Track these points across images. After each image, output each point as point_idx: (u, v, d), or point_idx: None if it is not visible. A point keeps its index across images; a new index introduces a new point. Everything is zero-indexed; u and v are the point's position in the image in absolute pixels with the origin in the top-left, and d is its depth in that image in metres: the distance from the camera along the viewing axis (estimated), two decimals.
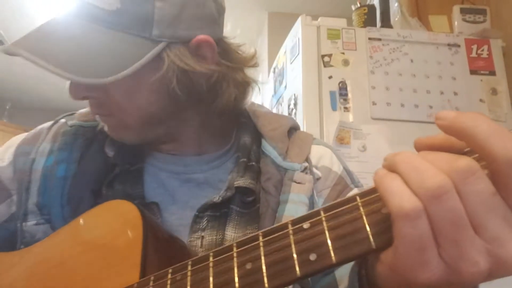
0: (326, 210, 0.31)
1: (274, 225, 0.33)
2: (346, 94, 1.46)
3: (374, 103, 1.46)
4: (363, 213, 0.29)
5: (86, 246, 0.43)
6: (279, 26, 2.41)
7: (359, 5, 1.68)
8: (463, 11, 1.69)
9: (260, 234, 0.33)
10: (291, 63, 1.63)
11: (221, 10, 0.54)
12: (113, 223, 0.42)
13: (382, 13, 1.66)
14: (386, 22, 1.64)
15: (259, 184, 0.53)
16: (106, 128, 0.53)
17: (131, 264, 0.38)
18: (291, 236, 0.31)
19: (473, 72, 1.54)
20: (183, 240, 0.48)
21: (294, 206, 0.50)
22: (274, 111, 1.86)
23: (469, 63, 1.55)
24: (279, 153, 0.55)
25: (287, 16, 2.34)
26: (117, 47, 0.45)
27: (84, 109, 0.59)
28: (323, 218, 0.31)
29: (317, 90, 1.46)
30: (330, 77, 1.47)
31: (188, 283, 0.34)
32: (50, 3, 2.52)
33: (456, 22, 1.70)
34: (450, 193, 0.25)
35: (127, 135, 0.52)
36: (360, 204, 0.30)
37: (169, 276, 0.36)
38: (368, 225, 0.29)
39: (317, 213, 0.32)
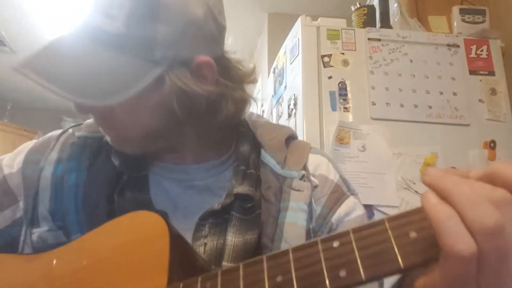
0: (355, 231, 0.34)
1: (304, 242, 0.35)
2: (346, 94, 1.46)
3: (373, 103, 1.46)
4: (391, 235, 0.32)
5: (113, 252, 0.45)
6: (279, 26, 2.42)
7: (358, 5, 1.69)
8: (462, 11, 1.70)
9: (290, 250, 0.35)
10: (291, 63, 1.63)
11: (221, 29, 0.54)
12: (139, 232, 0.44)
13: (381, 14, 1.67)
14: (385, 23, 1.65)
15: (259, 192, 0.55)
16: (109, 139, 0.55)
17: (159, 271, 0.40)
18: (321, 253, 0.33)
19: (472, 72, 1.55)
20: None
21: (294, 214, 0.54)
22: (274, 111, 1.87)
23: (468, 63, 1.55)
24: (278, 161, 0.58)
25: (286, 17, 2.34)
26: (120, 69, 0.46)
27: (90, 119, 0.61)
28: (352, 238, 0.33)
29: (316, 90, 1.47)
30: (329, 77, 1.48)
31: None
32: (50, 4, 2.53)
33: (455, 23, 1.70)
34: (504, 230, 0.27)
35: (128, 146, 0.54)
36: (388, 227, 0.32)
37: (199, 284, 0.37)
38: (397, 247, 0.31)
39: (346, 233, 0.34)
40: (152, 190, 0.56)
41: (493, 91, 1.54)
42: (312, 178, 0.58)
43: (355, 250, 0.32)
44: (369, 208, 1.33)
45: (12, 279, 0.50)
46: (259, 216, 0.53)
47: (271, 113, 1.92)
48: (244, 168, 0.56)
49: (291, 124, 1.56)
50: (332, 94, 1.46)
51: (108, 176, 0.54)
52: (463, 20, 1.68)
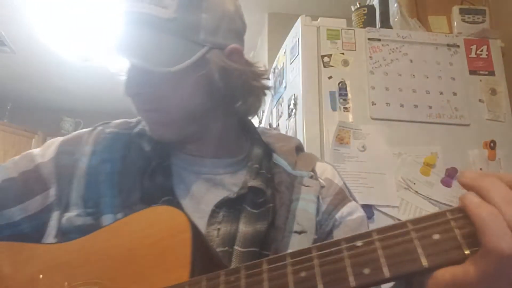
0: (378, 231, 0.35)
1: (327, 241, 0.37)
2: (346, 94, 1.46)
3: (373, 103, 1.46)
4: (414, 236, 0.33)
5: (136, 244, 0.47)
6: (279, 26, 2.42)
7: (358, 5, 1.69)
8: (462, 11, 1.70)
9: (313, 247, 0.37)
10: (291, 63, 1.63)
11: (244, 27, 0.65)
12: (162, 225, 0.46)
13: (381, 14, 1.67)
14: (385, 23, 1.65)
15: (270, 189, 0.61)
16: (147, 127, 0.62)
17: (180, 264, 0.42)
18: (345, 252, 0.35)
19: (472, 72, 1.55)
20: (202, 229, 0.53)
21: (305, 202, 0.60)
22: (274, 111, 1.87)
23: (468, 63, 1.55)
24: (289, 163, 0.65)
25: (286, 17, 2.34)
26: (172, 48, 0.56)
27: (118, 120, 0.69)
28: (376, 238, 0.35)
29: (316, 90, 1.47)
30: (329, 77, 1.48)
31: (243, 285, 0.37)
32: (50, 3, 2.53)
33: (455, 23, 1.70)
34: None
35: (167, 130, 0.61)
36: (410, 229, 0.34)
37: (222, 277, 0.39)
38: (420, 247, 0.33)
39: (369, 234, 0.35)
40: (173, 178, 0.62)
41: (493, 91, 1.54)
42: (319, 179, 0.65)
43: (379, 249, 0.34)
44: (369, 208, 1.33)
45: (38, 268, 0.51)
46: (269, 210, 0.58)
47: (271, 113, 1.92)
48: (258, 167, 0.63)
49: (291, 124, 1.56)
50: (332, 94, 1.46)
51: (140, 166, 0.60)
52: (463, 20, 1.68)
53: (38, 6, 2.56)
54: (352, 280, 0.33)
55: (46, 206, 0.59)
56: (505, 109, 1.53)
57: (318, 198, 0.62)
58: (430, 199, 1.39)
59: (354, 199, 0.66)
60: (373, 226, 1.29)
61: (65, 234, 0.55)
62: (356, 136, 1.41)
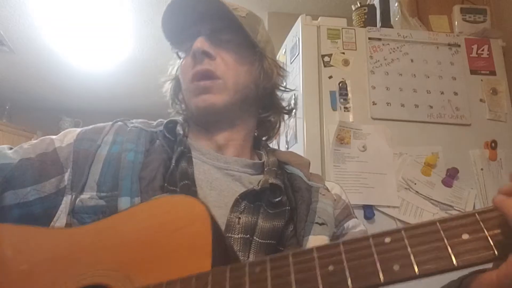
0: (406, 229, 0.35)
1: (355, 237, 0.37)
2: (346, 94, 1.46)
3: (374, 103, 1.46)
4: (444, 235, 0.34)
5: (154, 231, 0.46)
6: (279, 26, 2.41)
7: (359, 5, 1.68)
8: (463, 11, 1.69)
9: (341, 243, 0.37)
10: (291, 63, 1.63)
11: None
12: (181, 214, 0.46)
13: (382, 13, 1.66)
14: (386, 22, 1.64)
15: (288, 191, 0.65)
16: (194, 99, 0.67)
17: (202, 253, 0.42)
18: (373, 247, 0.35)
19: (473, 72, 1.54)
20: (219, 218, 0.55)
21: (324, 204, 0.65)
22: None
23: (469, 63, 1.55)
24: (305, 175, 0.70)
25: (287, 16, 2.33)
26: (242, 34, 0.68)
27: (139, 119, 0.72)
28: (404, 236, 0.35)
29: (317, 90, 1.46)
30: (330, 77, 1.47)
31: (269, 276, 0.37)
32: (49, 3, 2.52)
33: (456, 22, 1.69)
34: None
35: (219, 98, 0.66)
36: (440, 228, 0.34)
37: (247, 268, 0.38)
38: (450, 246, 0.33)
39: (398, 230, 0.35)
40: (194, 169, 0.65)
41: (494, 91, 1.53)
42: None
43: (408, 246, 0.34)
44: (369, 209, 1.33)
45: (56, 253, 0.51)
46: (285, 211, 0.62)
47: None
48: (276, 170, 0.68)
49: (291, 124, 1.55)
50: (332, 93, 1.45)
51: (164, 158, 0.63)
52: (464, 20, 1.67)
53: (37, 5, 2.55)
54: (381, 276, 0.33)
55: (60, 190, 0.60)
56: (506, 109, 1.52)
57: (333, 207, 0.67)
58: (431, 199, 1.38)
59: (355, 217, 0.72)
60: (373, 226, 1.29)
61: (77, 213, 0.56)
62: (356, 136, 1.41)
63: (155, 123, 0.73)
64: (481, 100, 1.51)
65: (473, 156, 1.44)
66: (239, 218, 0.59)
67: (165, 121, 0.72)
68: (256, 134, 0.76)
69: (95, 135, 0.66)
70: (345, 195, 0.74)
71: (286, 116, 0.79)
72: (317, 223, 0.61)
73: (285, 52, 1.73)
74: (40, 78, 3.54)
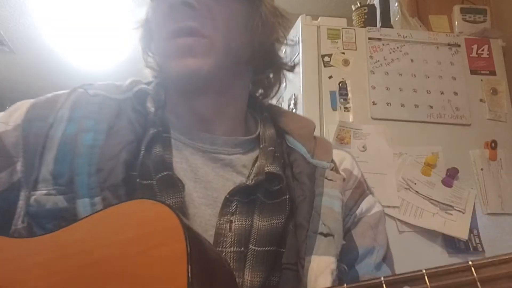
0: (430, 275, 0.28)
1: (364, 282, 0.30)
2: (346, 94, 1.45)
3: (374, 103, 1.46)
4: None
5: (119, 252, 0.38)
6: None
7: (359, 5, 1.68)
8: (463, 11, 1.69)
9: (346, 287, 0.31)
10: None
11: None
12: (151, 228, 0.38)
13: (382, 13, 1.66)
14: (386, 22, 1.64)
15: (287, 178, 0.54)
16: (174, 62, 0.52)
17: (175, 280, 0.34)
18: None
19: (473, 72, 1.54)
20: (208, 221, 0.49)
21: (330, 199, 0.52)
22: None
23: (469, 63, 1.55)
24: (308, 150, 0.57)
25: (287, 16, 2.33)
26: None
27: (103, 82, 0.58)
28: (429, 287, 0.28)
29: (317, 90, 1.46)
30: (330, 77, 1.47)
31: None
32: (49, 3, 2.52)
33: (456, 22, 1.69)
34: None
35: (205, 62, 0.51)
36: (476, 278, 0.27)
37: None
38: None
39: (420, 276, 0.28)
40: (172, 155, 0.52)
41: (494, 91, 1.53)
42: (340, 171, 0.58)
43: None
44: None
45: (5, 267, 0.42)
46: (285, 201, 0.52)
47: None
48: (273, 149, 0.56)
49: None
50: (332, 93, 1.45)
51: (129, 140, 0.50)
52: (464, 20, 1.67)
53: (37, 5, 2.55)
54: None
55: (13, 184, 0.49)
56: (506, 109, 1.52)
57: (342, 194, 0.55)
58: (431, 199, 1.38)
59: (371, 192, 0.61)
60: None
61: (34, 218, 0.46)
62: (356, 136, 1.41)
63: (125, 84, 0.58)
64: (481, 100, 1.51)
65: (473, 156, 1.44)
66: (231, 222, 0.49)
67: (135, 87, 0.57)
68: (250, 88, 0.62)
69: (46, 111, 0.52)
70: (358, 167, 0.62)
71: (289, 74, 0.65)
72: (321, 233, 0.49)
73: (285, 52, 1.73)
74: (40, 78, 3.54)
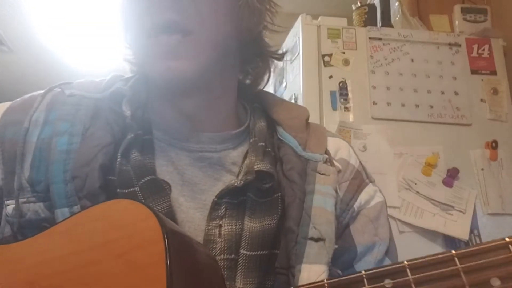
0: (411, 267, 0.28)
1: (344, 277, 0.29)
2: (347, 94, 1.45)
3: (374, 103, 1.45)
4: (465, 281, 0.26)
5: (97, 256, 0.36)
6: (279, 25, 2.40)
7: (359, 4, 1.68)
8: (463, 10, 1.69)
9: (326, 283, 0.30)
10: (291, 62, 1.62)
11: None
12: (128, 231, 0.36)
13: (382, 13, 1.66)
14: (386, 22, 1.64)
15: (278, 174, 0.51)
16: (154, 64, 0.47)
17: (155, 281, 0.33)
18: None
19: (474, 71, 1.54)
20: (198, 226, 0.47)
21: (322, 198, 0.48)
22: None
23: (470, 62, 1.54)
24: (299, 143, 0.53)
25: (287, 16, 2.33)
26: None
27: (82, 79, 0.55)
28: (411, 279, 0.27)
29: (317, 90, 1.46)
30: (330, 77, 1.47)
31: None
32: (49, 3, 2.51)
33: (456, 22, 1.69)
34: None
35: (192, 63, 0.46)
36: (460, 269, 0.27)
37: None
38: None
39: (402, 268, 0.28)
40: (156, 158, 0.50)
41: (495, 91, 1.53)
42: (334, 162, 0.54)
43: None
44: None
45: None
46: (277, 200, 0.49)
47: None
48: (264, 145, 0.52)
49: None
50: (332, 93, 1.45)
51: (105, 143, 0.46)
52: (465, 19, 1.67)
53: (37, 5, 2.54)
54: None
55: None
56: (507, 109, 1.52)
57: (336, 190, 0.51)
58: (432, 199, 1.38)
59: (371, 180, 0.57)
60: None
61: (17, 228, 0.44)
62: (356, 136, 1.40)
63: (105, 81, 0.54)
64: (481, 100, 1.51)
65: (473, 156, 1.44)
66: (220, 226, 0.46)
67: (112, 87, 0.52)
68: (239, 78, 0.58)
69: (21, 115, 0.49)
70: (355, 156, 0.58)
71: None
72: (311, 238, 0.46)
73: (286, 49, 1.73)
74: (40, 77, 3.54)
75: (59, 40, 2.95)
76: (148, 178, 0.45)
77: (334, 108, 1.43)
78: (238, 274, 0.45)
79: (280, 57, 0.61)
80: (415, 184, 1.39)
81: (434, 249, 1.33)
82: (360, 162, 0.58)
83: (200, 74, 0.47)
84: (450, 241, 1.33)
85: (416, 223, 1.33)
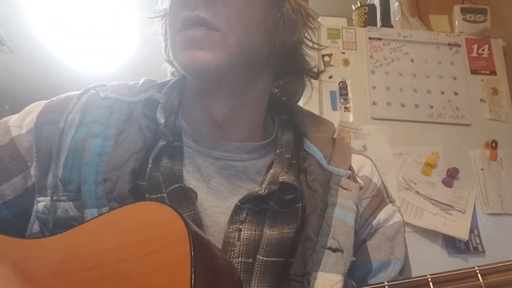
0: (435, 282, 0.27)
1: (368, 285, 0.30)
2: (346, 94, 1.45)
3: (374, 103, 1.45)
4: None
5: (123, 254, 0.37)
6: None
7: (359, 4, 1.68)
8: (463, 10, 1.69)
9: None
10: None
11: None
12: (154, 232, 0.37)
13: (382, 13, 1.66)
14: (386, 22, 1.64)
15: (301, 185, 0.52)
16: (181, 54, 0.49)
17: (179, 281, 0.33)
18: None
19: (473, 71, 1.54)
20: (222, 229, 0.48)
21: (343, 211, 0.49)
22: None
23: (470, 62, 1.55)
24: (325, 156, 0.54)
25: None
26: None
27: (116, 82, 0.57)
28: None
29: (317, 90, 1.45)
30: (330, 77, 1.47)
31: None
32: (49, 3, 2.52)
33: (456, 22, 1.69)
34: None
35: (214, 56, 0.47)
36: (483, 285, 0.26)
37: None
38: None
39: (425, 282, 0.28)
40: (184, 165, 0.51)
41: (495, 91, 1.53)
42: (357, 179, 0.55)
43: None
44: None
45: (13, 268, 0.42)
46: (298, 210, 0.50)
47: None
48: (289, 157, 0.53)
49: None
50: (332, 93, 1.45)
51: (137, 148, 0.48)
52: (465, 19, 1.67)
53: (37, 5, 2.54)
54: None
55: (27, 189, 0.49)
56: (506, 109, 1.52)
57: (357, 206, 0.52)
58: (431, 199, 1.38)
59: (391, 201, 0.57)
60: None
61: (45, 225, 0.46)
62: (356, 136, 1.41)
63: (138, 85, 0.56)
64: (481, 100, 1.51)
65: (473, 156, 1.44)
66: (240, 230, 0.48)
67: (146, 92, 0.54)
68: (270, 93, 0.58)
69: (57, 115, 0.51)
70: (377, 174, 0.58)
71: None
72: (330, 248, 0.46)
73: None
74: (40, 77, 3.54)
75: (59, 40, 2.95)
76: (176, 185, 0.47)
77: (334, 108, 1.43)
78: (254, 278, 0.46)
79: (316, 76, 0.61)
80: (415, 184, 1.39)
81: (434, 249, 1.33)
82: (382, 181, 0.58)
83: (224, 71, 0.48)
84: (450, 241, 1.33)
85: (416, 223, 1.34)
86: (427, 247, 1.33)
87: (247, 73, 0.51)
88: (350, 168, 0.55)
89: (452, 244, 1.33)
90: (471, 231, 1.34)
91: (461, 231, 1.33)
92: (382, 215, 0.54)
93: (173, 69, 0.60)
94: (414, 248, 1.33)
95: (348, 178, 0.53)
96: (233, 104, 0.53)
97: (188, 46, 0.47)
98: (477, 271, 0.27)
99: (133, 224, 0.38)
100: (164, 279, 0.34)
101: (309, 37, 0.57)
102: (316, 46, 0.58)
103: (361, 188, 0.54)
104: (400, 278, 0.52)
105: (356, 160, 0.57)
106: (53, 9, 2.58)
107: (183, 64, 0.49)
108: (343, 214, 0.49)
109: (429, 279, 0.28)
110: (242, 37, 0.48)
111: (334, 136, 0.59)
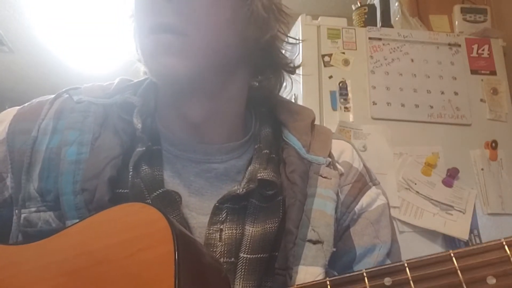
0: (411, 266, 0.28)
1: (346, 275, 0.30)
2: (346, 94, 1.45)
3: (374, 103, 1.45)
4: (462, 279, 0.26)
5: (108, 255, 0.37)
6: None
7: (359, 4, 1.68)
8: (463, 10, 1.69)
9: (328, 280, 0.31)
10: None
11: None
12: (139, 232, 0.37)
13: (382, 13, 1.66)
14: (386, 22, 1.64)
15: (281, 176, 0.51)
16: (151, 59, 0.47)
17: (162, 284, 0.34)
18: None
19: (473, 71, 1.54)
20: (202, 231, 0.48)
21: (322, 201, 0.49)
22: None
23: (470, 62, 1.55)
24: (303, 145, 0.53)
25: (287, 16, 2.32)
26: None
27: (90, 84, 0.55)
28: (410, 277, 0.28)
29: (317, 90, 1.46)
30: (330, 77, 1.47)
31: None
32: (49, 3, 2.52)
33: (456, 22, 1.69)
34: None
35: (184, 63, 0.46)
36: (457, 267, 0.27)
37: None
38: None
39: (402, 269, 0.28)
40: (163, 169, 0.50)
41: (495, 91, 1.53)
42: (337, 165, 0.54)
43: None
44: None
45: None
46: (279, 203, 0.49)
47: None
48: (268, 152, 0.52)
49: None
50: (332, 93, 1.45)
51: (114, 155, 0.47)
52: (465, 19, 1.67)
53: (37, 5, 2.54)
54: None
55: (4, 201, 0.47)
56: (506, 109, 1.52)
57: (337, 194, 0.51)
58: (431, 199, 1.38)
59: (375, 183, 0.56)
60: None
61: (28, 238, 0.45)
62: (356, 136, 1.40)
63: (113, 86, 0.54)
64: (481, 100, 1.51)
65: (473, 156, 1.44)
66: (221, 230, 0.47)
67: (121, 94, 0.52)
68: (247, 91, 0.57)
69: (30, 123, 0.49)
70: (358, 159, 0.57)
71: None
72: (310, 240, 0.46)
73: (285, 52, 1.73)
74: (40, 77, 3.54)
75: (59, 40, 2.95)
76: (160, 191, 0.46)
77: (334, 108, 1.43)
78: (238, 277, 0.45)
79: (293, 70, 0.59)
80: (415, 184, 1.39)
81: (434, 249, 1.33)
82: (364, 164, 0.58)
83: (196, 74, 0.47)
84: (450, 241, 1.33)
85: (416, 223, 1.34)
86: (427, 247, 1.33)
87: (220, 74, 0.50)
88: (330, 155, 0.54)
89: (452, 244, 1.33)
90: (471, 231, 1.34)
91: (461, 231, 1.33)
92: (364, 200, 0.53)
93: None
94: (414, 248, 1.33)
95: (327, 166, 0.52)
96: (209, 106, 0.51)
97: (159, 53, 0.45)
98: (452, 255, 0.28)
99: (118, 225, 0.39)
100: (149, 278, 0.34)
101: (283, 32, 0.55)
102: (292, 40, 0.57)
103: (341, 174, 0.53)
104: (388, 260, 0.51)
105: (336, 146, 0.56)
106: (53, 9, 2.58)
107: (154, 72, 0.47)
108: (322, 204, 0.49)
109: (405, 265, 0.30)
110: (212, 39, 0.46)
111: (314, 123, 0.58)
